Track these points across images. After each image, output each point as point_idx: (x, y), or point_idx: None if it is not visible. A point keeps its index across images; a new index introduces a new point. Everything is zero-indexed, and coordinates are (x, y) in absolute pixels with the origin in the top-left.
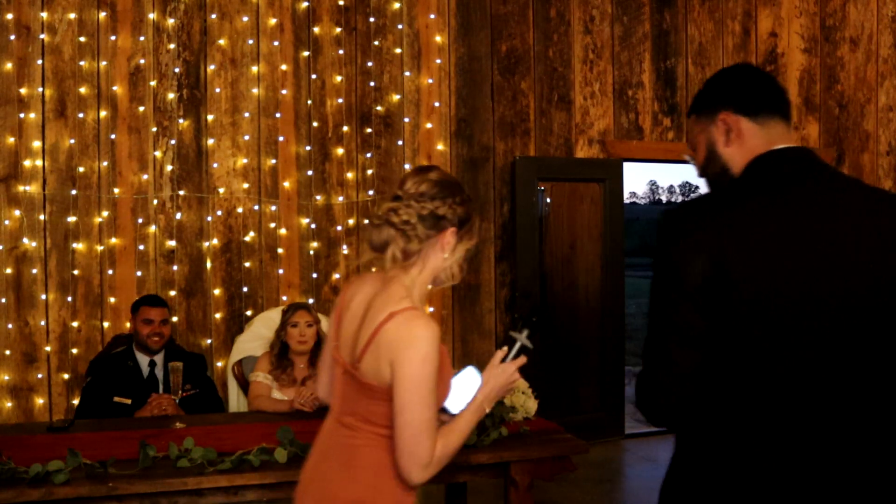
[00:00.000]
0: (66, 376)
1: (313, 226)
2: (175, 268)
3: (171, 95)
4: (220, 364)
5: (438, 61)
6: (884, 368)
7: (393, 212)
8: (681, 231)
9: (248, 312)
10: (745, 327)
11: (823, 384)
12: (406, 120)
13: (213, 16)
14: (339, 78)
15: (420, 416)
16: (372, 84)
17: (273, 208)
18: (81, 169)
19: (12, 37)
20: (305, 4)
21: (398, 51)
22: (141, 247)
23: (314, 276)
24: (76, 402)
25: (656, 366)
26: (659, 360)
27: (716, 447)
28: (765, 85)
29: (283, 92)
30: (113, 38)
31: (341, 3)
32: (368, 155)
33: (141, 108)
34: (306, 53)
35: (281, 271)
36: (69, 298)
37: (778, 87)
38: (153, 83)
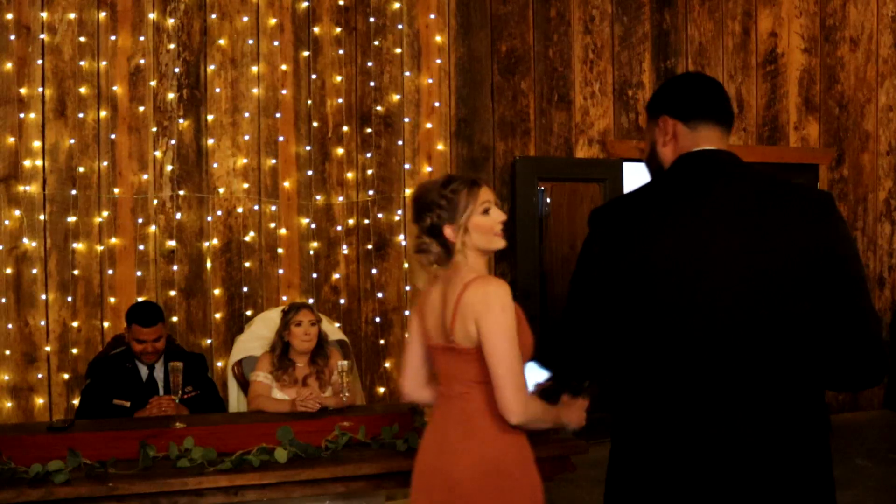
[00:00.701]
0: (66, 376)
1: (313, 226)
2: (175, 268)
3: (171, 95)
4: (220, 364)
5: (438, 61)
6: (771, 352)
7: (416, 242)
8: (595, 226)
9: (248, 312)
10: (641, 307)
11: (707, 359)
12: (406, 120)
13: (213, 16)
14: (339, 78)
15: (511, 354)
16: (372, 84)
17: (273, 208)
18: (81, 169)
19: (12, 37)
20: (305, 4)
21: (398, 51)
22: (141, 247)
23: (314, 276)
24: (76, 402)
25: (555, 331)
26: (559, 327)
27: (625, 408)
28: (703, 94)
29: (283, 92)
30: (113, 38)
31: (341, 3)
32: (368, 155)
33: (141, 108)
34: (306, 53)
35: (281, 271)
36: (69, 298)
37: (717, 96)
38: (153, 83)
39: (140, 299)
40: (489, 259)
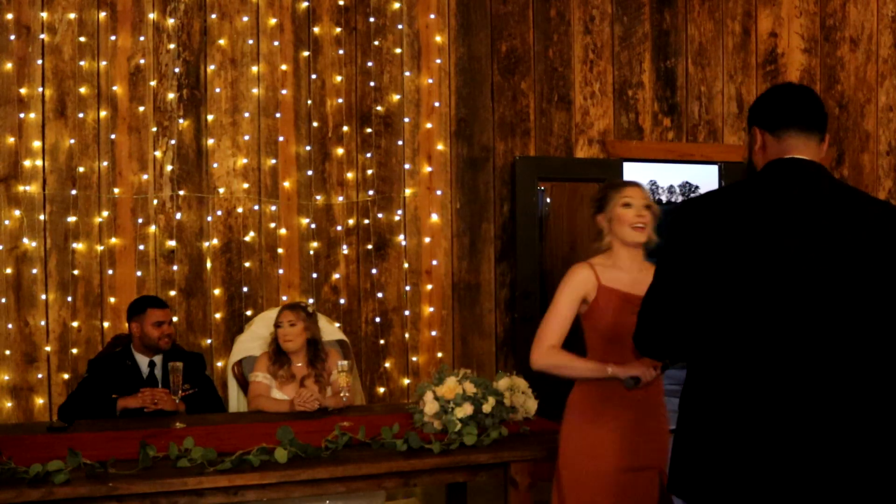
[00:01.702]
0: (66, 376)
1: (313, 226)
2: (175, 268)
3: (171, 95)
4: (220, 364)
5: (438, 61)
6: (835, 336)
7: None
8: (681, 220)
9: (248, 312)
10: (719, 299)
11: (778, 344)
12: (406, 120)
13: (213, 16)
14: (339, 78)
15: (546, 318)
16: (372, 84)
17: (273, 208)
18: (81, 169)
19: (12, 37)
20: (305, 4)
21: (398, 51)
22: (141, 247)
23: (314, 276)
24: None
25: (644, 316)
26: (647, 312)
27: (704, 383)
28: (787, 104)
29: (283, 92)
30: (113, 38)
31: (341, 3)
32: (368, 155)
33: (141, 108)
34: (306, 53)
35: (281, 271)
36: (69, 298)
37: (803, 104)
38: (153, 83)
39: None
40: (638, 253)
